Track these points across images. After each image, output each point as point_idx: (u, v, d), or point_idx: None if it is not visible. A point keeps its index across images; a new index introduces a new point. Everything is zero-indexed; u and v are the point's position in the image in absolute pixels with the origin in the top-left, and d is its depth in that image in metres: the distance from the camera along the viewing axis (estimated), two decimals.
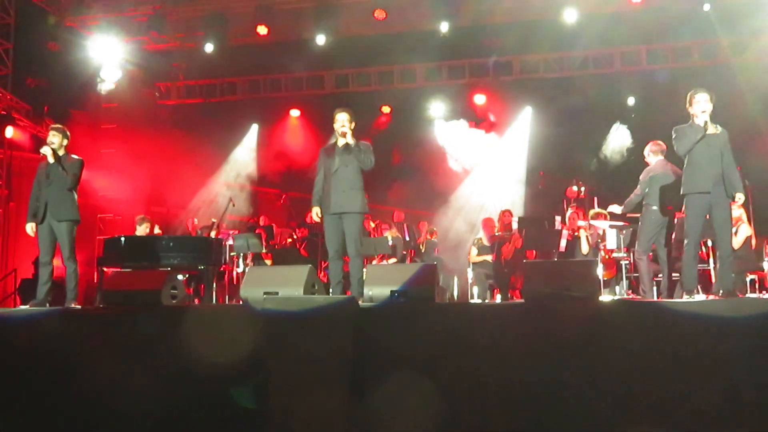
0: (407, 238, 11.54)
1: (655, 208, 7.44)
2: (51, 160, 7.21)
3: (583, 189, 10.72)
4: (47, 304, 7.00)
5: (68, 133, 7.52)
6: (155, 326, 5.52)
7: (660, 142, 7.72)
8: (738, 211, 8.00)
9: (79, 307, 7.16)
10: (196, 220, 12.41)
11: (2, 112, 12.78)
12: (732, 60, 12.34)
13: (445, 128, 14.71)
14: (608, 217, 8.45)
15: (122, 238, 8.82)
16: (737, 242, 8.03)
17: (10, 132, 12.79)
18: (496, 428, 4.78)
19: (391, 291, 5.65)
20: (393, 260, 10.70)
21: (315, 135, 14.34)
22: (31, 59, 13.35)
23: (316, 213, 6.85)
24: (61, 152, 7.36)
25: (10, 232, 13.35)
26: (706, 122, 6.22)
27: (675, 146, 6.45)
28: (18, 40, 13.17)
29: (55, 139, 7.34)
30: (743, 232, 8.26)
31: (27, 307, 7.11)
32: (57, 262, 7.33)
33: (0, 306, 11.70)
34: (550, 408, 4.72)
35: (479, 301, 9.37)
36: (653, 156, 7.74)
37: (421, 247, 11.78)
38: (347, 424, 4.85)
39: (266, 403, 5.01)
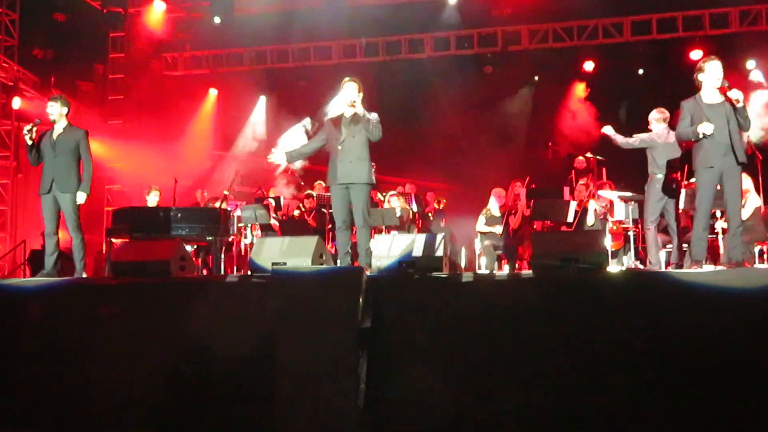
0: (414, 208, 11.50)
1: (660, 176, 7.36)
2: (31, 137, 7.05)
3: (591, 160, 10.67)
4: (56, 275, 7.00)
5: (67, 101, 7.27)
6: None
7: (664, 110, 7.63)
8: (747, 182, 7.95)
9: (88, 277, 7.18)
10: (204, 191, 12.39)
11: (9, 84, 12.76)
12: (743, 29, 12.21)
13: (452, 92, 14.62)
14: (614, 186, 8.42)
15: (130, 209, 8.84)
16: (746, 213, 7.97)
17: (17, 103, 12.77)
18: (505, 397, 4.81)
19: (400, 261, 5.65)
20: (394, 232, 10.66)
21: (322, 106, 14.25)
22: (38, 30, 13.31)
23: (277, 154, 6.94)
24: (62, 122, 7.16)
25: (19, 204, 13.40)
26: (725, 86, 6.06)
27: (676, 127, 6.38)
28: (24, 11, 13.12)
29: (53, 110, 7.12)
30: (752, 202, 8.21)
31: (36, 277, 7.13)
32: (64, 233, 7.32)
33: (10, 277, 11.77)
34: (558, 376, 4.74)
35: (487, 271, 9.37)
36: (656, 124, 7.65)
37: (430, 216, 11.76)
38: (356, 395, 4.87)
39: (276, 374, 5.03)
